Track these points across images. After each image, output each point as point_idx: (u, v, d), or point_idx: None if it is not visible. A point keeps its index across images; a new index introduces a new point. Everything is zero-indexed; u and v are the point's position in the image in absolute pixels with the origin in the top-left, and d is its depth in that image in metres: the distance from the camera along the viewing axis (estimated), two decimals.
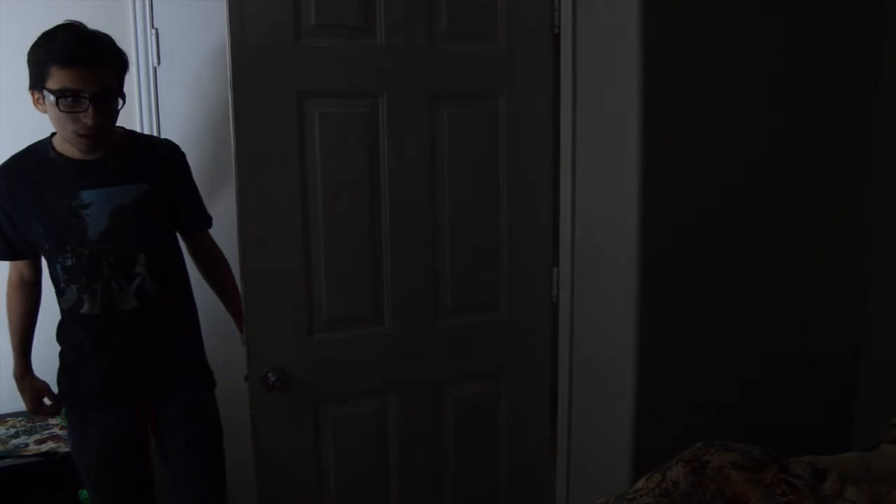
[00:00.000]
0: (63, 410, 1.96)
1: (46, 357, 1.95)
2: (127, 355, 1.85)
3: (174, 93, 2.30)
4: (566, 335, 2.02)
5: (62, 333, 1.90)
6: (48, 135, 1.83)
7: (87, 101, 1.66)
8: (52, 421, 2.34)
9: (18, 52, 2.32)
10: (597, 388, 2.01)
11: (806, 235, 2.04)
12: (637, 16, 1.74)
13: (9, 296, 1.94)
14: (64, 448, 2.17)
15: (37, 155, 1.81)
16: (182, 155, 1.94)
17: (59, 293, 1.83)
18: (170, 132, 2.24)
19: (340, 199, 1.83)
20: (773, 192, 1.98)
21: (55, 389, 1.95)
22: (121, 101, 1.75)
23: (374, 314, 1.91)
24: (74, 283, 1.79)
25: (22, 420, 2.36)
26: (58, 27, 1.71)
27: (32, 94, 1.72)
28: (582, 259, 1.98)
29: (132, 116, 2.19)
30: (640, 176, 1.81)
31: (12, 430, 2.29)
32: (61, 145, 1.79)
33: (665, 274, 1.86)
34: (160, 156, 1.91)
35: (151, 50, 2.25)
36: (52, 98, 1.66)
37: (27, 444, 2.20)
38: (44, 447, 2.19)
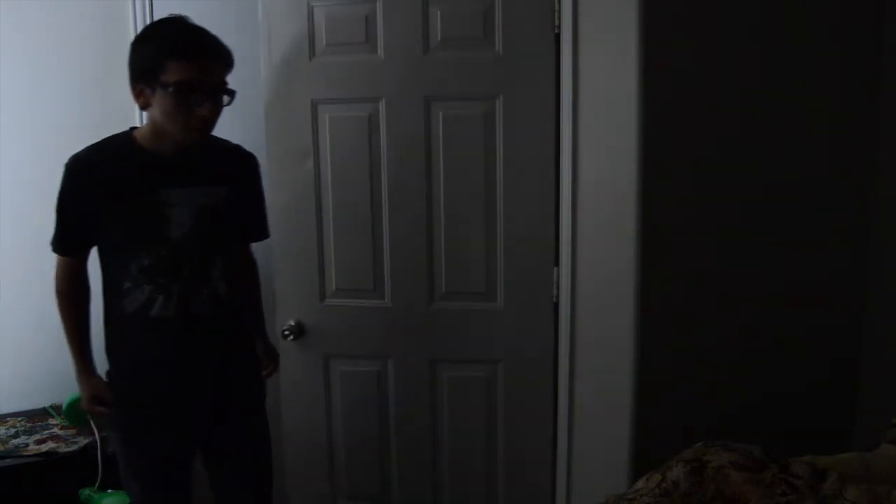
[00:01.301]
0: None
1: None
2: (197, 361, 1.78)
3: None
4: (566, 335, 2.02)
5: (119, 337, 1.79)
6: (128, 128, 1.77)
7: (204, 94, 1.64)
8: (52, 421, 2.34)
9: (18, 52, 2.34)
10: (597, 388, 2.01)
11: (806, 236, 2.04)
12: (636, 16, 1.74)
13: (62, 292, 1.81)
14: (64, 448, 2.18)
15: (116, 148, 1.73)
16: (257, 161, 1.92)
17: (123, 294, 1.72)
18: None
19: (347, 188, 2.12)
20: (773, 192, 1.99)
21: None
22: (226, 98, 1.69)
23: (376, 288, 2.15)
24: (149, 283, 1.71)
25: (22, 420, 2.36)
26: (164, 21, 1.69)
27: (135, 88, 1.66)
28: (582, 259, 1.98)
29: (133, 116, 2.19)
30: (639, 176, 1.82)
31: (12, 430, 2.29)
32: (148, 140, 1.71)
33: (665, 275, 1.86)
34: (238, 160, 1.89)
35: None
36: (168, 90, 1.61)
37: (27, 444, 2.20)
38: (44, 447, 2.19)
